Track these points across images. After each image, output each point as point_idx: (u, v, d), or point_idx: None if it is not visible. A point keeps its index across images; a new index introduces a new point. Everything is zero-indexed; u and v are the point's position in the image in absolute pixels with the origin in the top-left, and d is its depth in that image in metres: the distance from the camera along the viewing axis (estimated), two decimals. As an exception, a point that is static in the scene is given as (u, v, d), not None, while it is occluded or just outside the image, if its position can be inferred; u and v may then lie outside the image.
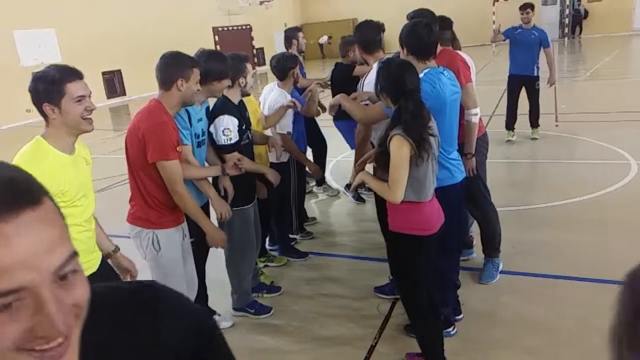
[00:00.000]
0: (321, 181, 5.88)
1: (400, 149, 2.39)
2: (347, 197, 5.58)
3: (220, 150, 3.09)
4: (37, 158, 1.99)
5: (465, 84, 3.20)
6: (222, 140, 3.06)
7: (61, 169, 2.02)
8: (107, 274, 2.34)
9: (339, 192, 5.83)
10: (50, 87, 2.00)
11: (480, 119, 3.48)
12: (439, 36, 3.35)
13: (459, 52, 3.57)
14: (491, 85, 10.42)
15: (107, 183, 6.85)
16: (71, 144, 2.12)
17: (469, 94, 3.24)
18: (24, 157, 2.00)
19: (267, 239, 4.47)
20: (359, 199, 5.49)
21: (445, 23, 3.64)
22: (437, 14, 3.48)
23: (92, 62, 15.78)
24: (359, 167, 2.81)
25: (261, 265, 4.21)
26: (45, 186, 1.93)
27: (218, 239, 2.82)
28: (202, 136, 3.02)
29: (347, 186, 5.59)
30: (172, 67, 2.55)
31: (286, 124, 4.14)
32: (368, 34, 3.57)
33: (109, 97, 17.40)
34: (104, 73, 17.09)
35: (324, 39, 25.55)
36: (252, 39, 24.54)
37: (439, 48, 3.32)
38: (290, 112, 4.11)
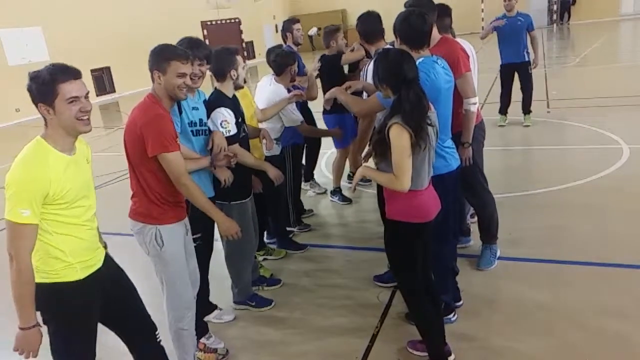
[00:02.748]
0: (308, 177, 5.87)
1: (400, 137, 2.40)
2: (333, 201, 5.56)
3: None
4: (38, 160, 1.96)
5: (464, 73, 3.20)
6: (222, 132, 3.04)
7: (62, 171, 2.00)
8: (111, 270, 2.33)
9: (325, 191, 5.82)
10: (43, 87, 1.97)
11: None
12: (438, 23, 3.36)
13: (458, 40, 3.56)
14: (482, 73, 10.41)
15: (99, 181, 6.79)
16: (71, 143, 2.09)
17: (468, 82, 3.24)
18: (25, 159, 1.97)
19: (265, 232, 4.48)
20: (344, 199, 5.49)
21: (444, 10, 3.65)
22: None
23: (80, 60, 15.48)
24: (363, 161, 2.82)
25: (260, 258, 4.22)
26: (47, 188, 1.91)
27: (232, 228, 2.74)
28: (200, 125, 3.00)
29: (332, 192, 5.59)
30: (150, 59, 2.54)
31: (291, 115, 4.14)
32: (369, 25, 3.57)
33: (98, 95, 17.25)
34: (92, 70, 16.94)
35: (313, 31, 25.36)
36: (241, 32, 24.38)
37: (439, 36, 3.32)
38: (293, 103, 4.11)
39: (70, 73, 2.00)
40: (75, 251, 2.09)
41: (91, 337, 2.21)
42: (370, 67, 3.40)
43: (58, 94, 1.96)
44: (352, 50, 4.94)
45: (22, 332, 1.98)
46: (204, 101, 3.14)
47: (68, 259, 2.07)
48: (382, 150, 2.50)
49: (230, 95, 3.26)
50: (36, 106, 2.00)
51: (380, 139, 2.49)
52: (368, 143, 3.02)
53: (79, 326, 2.14)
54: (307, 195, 5.76)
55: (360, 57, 4.89)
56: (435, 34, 3.25)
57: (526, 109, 7.60)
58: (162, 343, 2.52)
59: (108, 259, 2.33)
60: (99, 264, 2.22)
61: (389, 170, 2.48)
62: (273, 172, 3.44)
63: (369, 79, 3.37)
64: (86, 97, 2.04)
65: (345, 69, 5.24)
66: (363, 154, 2.93)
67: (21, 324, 1.98)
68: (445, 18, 3.65)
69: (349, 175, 5.87)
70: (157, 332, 2.48)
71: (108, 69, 17.82)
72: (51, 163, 1.98)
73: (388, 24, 3.42)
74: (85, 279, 2.12)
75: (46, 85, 1.96)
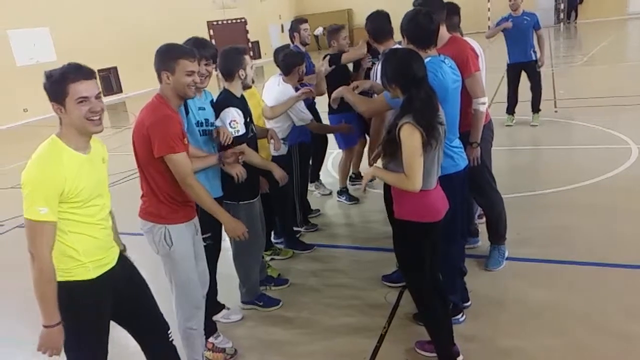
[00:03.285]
0: (314, 178, 5.88)
1: (411, 137, 2.39)
2: (340, 201, 5.57)
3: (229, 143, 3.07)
4: (53, 159, 1.97)
5: (473, 73, 3.19)
6: (230, 132, 3.05)
7: (77, 169, 2.01)
8: (125, 268, 2.33)
9: (331, 192, 5.83)
10: (54, 86, 1.99)
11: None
12: (447, 22, 3.35)
13: (467, 39, 3.55)
14: (488, 73, 10.41)
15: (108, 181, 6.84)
16: (84, 142, 2.09)
17: (477, 82, 3.23)
18: (40, 158, 1.98)
19: (272, 232, 4.48)
20: (351, 199, 5.50)
21: (453, 8, 3.64)
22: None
23: (87, 60, 15.19)
24: (372, 162, 2.82)
25: (267, 258, 4.22)
26: (62, 186, 1.91)
27: (239, 229, 2.73)
28: (207, 125, 3.00)
29: (339, 192, 5.59)
30: (157, 60, 2.54)
31: (301, 114, 4.14)
32: (378, 24, 3.57)
33: (105, 95, 17.32)
34: (99, 71, 17.01)
35: (319, 31, 25.33)
36: (247, 32, 24.42)
37: (448, 35, 3.31)
38: (301, 102, 4.12)
39: (81, 73, 2.00)
40: (89, 250, 2.10)
41: (103, 335, 2.22)
42: (379, 67, 3.39)
43: (68, 93, 1.97)
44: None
45: (45, 330, 1.98)
46: (211, 101, 3.15)
47: (81, 258, 2.08)
48: (392, 150, 2.49)
49: (239, 95, 3.27)
50: (51, 104, 2.02)
51: (390, 139, 2.49)
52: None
53: (90, 324, 2.15)
54: (314, 195, 5.76)
55: (360, 56, 4.89)
56: (444, 33, 3.24)
57: (535, 108, 7.57)
58: (174, 342, 2.52)
59: (122, 257, 2.34)
60: (113, 263, 2.23)
61: (399, 170, 2.48)
62: (278, 173, 3.44)
63: (379, 79, 3.36)
64: (97, 97, 2.04)
65: (351, 67, 5.24)
66: (372, 155, 2.92)
67: (45, 322, 1.98)
68: (454, 17, 3.65)
69: (351, 177, 5.83)
70: (169, 332, 2.49)
71: (115, 69, 17.90)
72: (65, 161, 1.99)
73: (395, 23, 3.41)
74: (97, 278, 2.13)
75: (57, 84, 1.97)
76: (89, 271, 2.11)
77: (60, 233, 2.02)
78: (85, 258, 2.09)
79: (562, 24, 24.36)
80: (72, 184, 1.98)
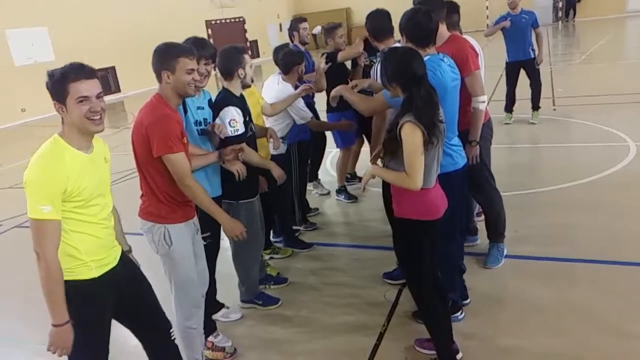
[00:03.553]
0: (312, 177, 5.87)
1: (412, 135, 2.40)
2: (339, 199, 5.58)
3: (228, 142, 3.07)
4: (55, 158, 1.97)
5: (473, 71, 3.19)
6: (230, 131, 3.05)
7: (79, 168, 2.00)
8: (127, 267, 2.33)
9: (329, 192, 5.83)
10: (55, 86, 1.98)
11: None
12: (447, 20, 3.35)
13: (466, 37, 3.55)
14: (487, 71, 10.41)
15: (107, 180, 6.83)
16: (86, 142, 2.09)
17: (477, 80, 3.23)
18: (42, 157, 1.98)
19: (272, 231, 4.48)
20: (350, 198, 5.50)
21: (453, 6, 3.64)
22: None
23: (85, 60, 15.38)
24: (372, 161, 2.82)
25: (266, 257, 4.22)
26: (64, 185, 1.90)
27: (237, 229, 2.72)
28: (205, 125, 3.01)
29: (338, 191, 5.60)
30: (157, 60, 2.54)
31: (301, 112, 4.13)
32: (378, 22, 3.57)
33: (103, 95, 17.28)
34: (98, 70, 16.90)
35: (317, 30, 25.34)
36: (245, 31, 24.40)
37: (448, 33, 3.32)
38: (301, 100, 4.12)
39: (82, 72, 1.99)
40: (90, 249, 2.10)
41: (104, 334, 2.21)
42: (379, 66, 3.39)
43: (69, 92, 1.97)
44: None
45: (55, 329, 1.98)
46: (209, 100, 3.15)
47: (83, 257, 2.08)
48: (393, 149, 2.50)
49: (238, 94, 3.27)
50: (53, 104, 2.02)
51: (391, 138, 2.49)
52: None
53: (92, 323, 2.15)
54: (312, 194, 5.76)
55: (356, 54, 4.89)
56: (444, 32, 3.24)
57: (535, 105, 7.59)
58: (175, 341, 2.52)
59: (124, 257, 2.34)
60: (114, 263, 2.23)
61: (399, 168, 2.49)
62: (277, 172, 3.44)
63: (380, 79, 3.37)
64: (98, 97, 2.04)
65: (349, 65, 5.24)
66: (373, 154, 2.93)
67: (54, 321, 1.98)
68: (454, 15, 3.65)
69: (347, 178, 5.81)
70: (171, 330, 2.49)
71: (113, 68, 17.86)
72: (68, 161, 1.99)
73: (394, 22, 3.41)
74: (99, 278, 2.13)
75: (58, 83, 1.97)
76: (91, 270, 2.11)
77: (62, 232, 2.01)
78: (87, 257, 2.09)
79: (560, 22, 24.37)
80: (74, 183, 1.97)
